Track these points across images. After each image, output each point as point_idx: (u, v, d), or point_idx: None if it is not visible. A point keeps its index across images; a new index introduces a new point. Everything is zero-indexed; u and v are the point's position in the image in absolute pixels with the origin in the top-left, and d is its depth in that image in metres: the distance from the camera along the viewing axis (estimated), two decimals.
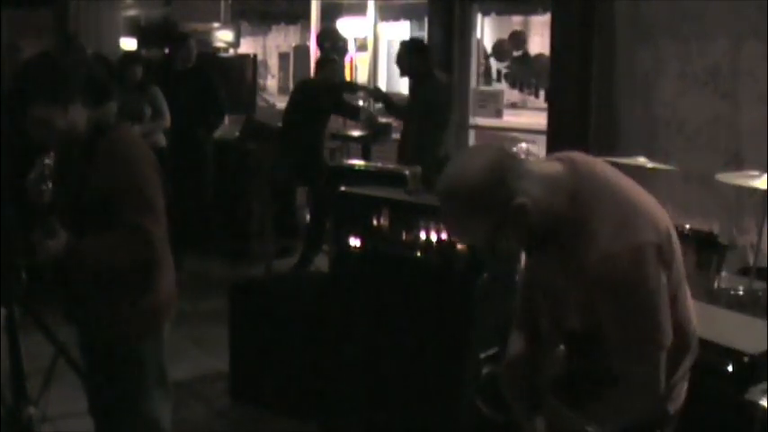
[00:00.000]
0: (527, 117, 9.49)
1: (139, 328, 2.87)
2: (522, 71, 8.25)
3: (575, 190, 2.04)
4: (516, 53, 8.43)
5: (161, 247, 2.79)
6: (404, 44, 6.72)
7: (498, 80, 8.65)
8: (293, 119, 7.12)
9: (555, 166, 2.10)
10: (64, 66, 2.81)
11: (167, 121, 6.92)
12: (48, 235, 2.62)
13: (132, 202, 2.70)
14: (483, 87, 7.94)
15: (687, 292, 2.22)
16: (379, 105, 7.70)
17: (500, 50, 8.42)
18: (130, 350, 2.87)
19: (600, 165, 2.16)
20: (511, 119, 10.34)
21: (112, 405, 2.93)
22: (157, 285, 2.87)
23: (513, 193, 1.97)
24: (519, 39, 8.65)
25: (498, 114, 7.80)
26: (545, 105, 7.12)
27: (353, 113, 7.53)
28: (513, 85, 8.31)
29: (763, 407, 2.57)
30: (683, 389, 2.24)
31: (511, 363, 2.33)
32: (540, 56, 8.74)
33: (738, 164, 5.38)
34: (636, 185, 2.16)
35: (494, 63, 8.88)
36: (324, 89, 7.08)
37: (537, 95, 8.42)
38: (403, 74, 6.68)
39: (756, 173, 4.15)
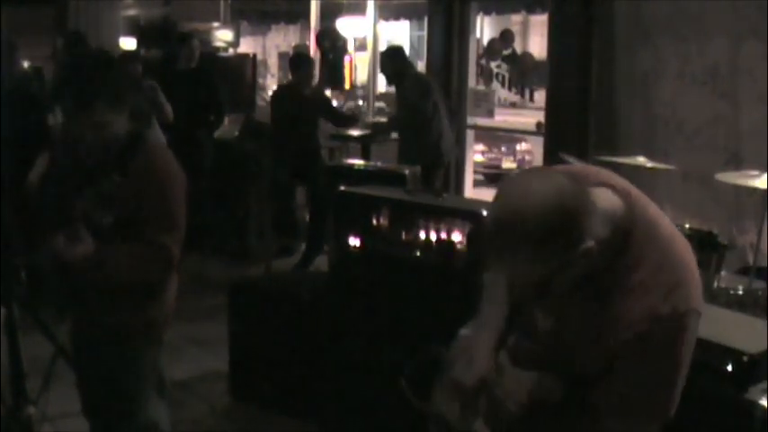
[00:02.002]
0: (526, 117, 9.50)
1: (141, 336, 2.88)
2: (510, 70, 8.27)
3: (629, 230, 1.84)
4: (505, 52, 8.46)
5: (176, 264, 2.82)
6: (382, 54, 7.22)
7: (490, 80, 8.68)
8: (283, 125, 7.15)
9: (614, 201, 1.86)
10: (122, 68, 2.80)
11: (169, 114, 6.90)
12: (72, 239, 2.62)
13: (160, 221, 2.72)
14: (478, 87, 7.97)
15: None
16: (380, 104, 7.79)
17: (492, 50, 8.44)
18: (129, 356, 2.88)
19: (653, 206, 1.94)
20: (510, 118, 10.37)
21: (109, 409, 2.93)
22: (162, 297, 2.89)
23: (584, 236, 1.74)
24: (508, 37, 8.67)
25: (490, 114, 7.82)
26: (543, 105, 7.12)
27: (340, 122, 7.64)
28: (503, 84, 8.34)
29: (763, 407, 2.57)
30: None
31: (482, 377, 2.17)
32: (525, 55, 8.75)
33: (738, 163, 5.39)
34: (678, 234, 1.94)
35: (488, 63, 8.91)
36: (308, 101, 7.14)
37: (523, 95, 8.44)
38: (388, 82, 7.30)
39: (756, 172, 4.15)
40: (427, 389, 2.22)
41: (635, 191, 1.92)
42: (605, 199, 1.85)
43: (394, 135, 7.51)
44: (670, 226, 1.95)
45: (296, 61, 7.41)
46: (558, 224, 1.70)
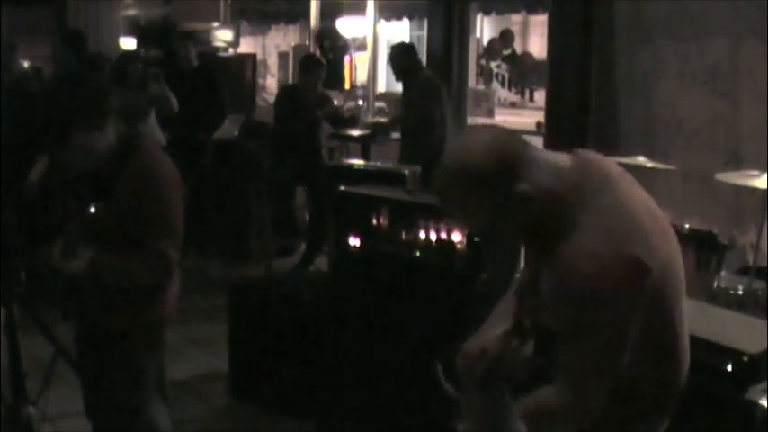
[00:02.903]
0: (526, 117, 9.50)
1: (142, 338, 2.88)
2: (510, 70, 8.28)
3: (578, 183, 1.93)
4: (505, 52, 8.46)
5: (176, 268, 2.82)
6: (392, 48, 7.13)
7: (490, 80, 8.69)
8: (286, 126, 7.14)
9: (564, 158, 1.99)
10: (98, 87, 2.79)
11: (175, 106, 6.90)
12: (67, 253, 2.62)
13: (157, 227, 2.72)
14: (477, 87, 7.98)
15: (683, 328, 2.08)
16: (379, 104, 7.79)
17: (491, 50, 8.45)
18: (130, 358, 2.88)
19: (612, 167, 2.03)
20: (509, 118, 10.37)
21: (111, 410, 2.93)
22: (163, 299, 2.89)
23: (517, 179, 1.87)
24: (508, 37, 8.67)
25: (490, 114, 7.83)
26: (543, 105, 7.13)
27: (339, 124, 7.66)
28: (502, 84, 8.34)
29: (763, 406, 2.57)
30: (663, 423, 2.11)
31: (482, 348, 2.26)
32: (525, 55, 8.75)
33: (738, 163, 5.38)
34: (645, 202, 2.02)
35: (487, 63, 8.91)
36: (314, 102, 7.13)
37: (522, 95, 8.44)
38: (396, 77, 7.07)
39: (756, 172, 4.15)
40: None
41: (598, 158, 2.02)
42: (555, 156, 1.99)
43: (395, 135, 7.51)
44: (636, 191, 2.01)
45: (307, 63, 7.32)
46: (489, 165, 1.87)
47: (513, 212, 1.91)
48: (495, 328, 2.28)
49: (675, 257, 2.01)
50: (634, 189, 2.02)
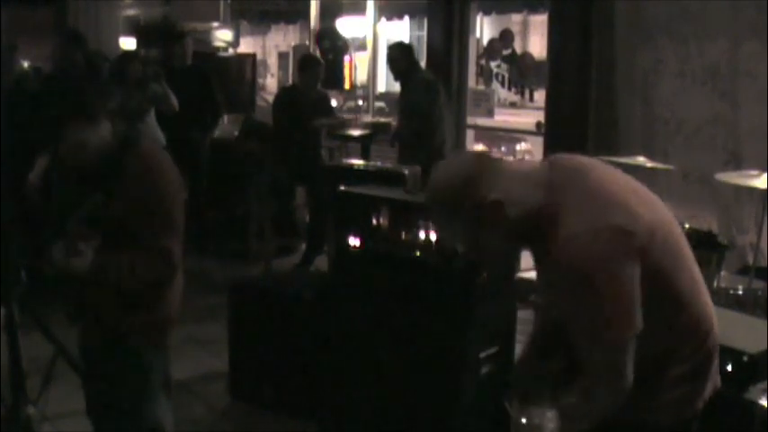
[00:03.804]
0: (526, 117, 9.51)
1: (148, 338, 2.88)
2: (510, 70, 8.27)
3: (550, 181, 2.05)
4: (505, 52, 8.46)
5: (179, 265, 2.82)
6: (390, 48, 7.07)
7: (490, 80, 8.69)
8: (286, 127, 7.14)
9: (534, 164, 2.15)
10: (86, 82, 2.79)
11: (175, 104, 6.90)
12: (70, 252, 2.62)
13: (159, 224, 2.71)
14: (477, 87, 7.97)
15: (697, 288, 2.15)
16: (379, 104, 7.78)
17: (491, 50, 8.44)
18: (136, 358, 2.88)
19: (584, 160, 2.16)
20: (509, 118, 10.37)
21: (115, 409, 2.93)
22: (166, 299, 2.89)
23: (487, 191, 2.01)
24: (507, 37, 8.67)
25: (490, 114, 7.82)
26: (543, 105, 7.12)
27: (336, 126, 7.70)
28: (502, 84, 8.34)
29: (763, 406, 2.57)
30: (702, 391, 2.17)
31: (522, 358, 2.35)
32: (525, 55, 8.75)
33: (737, 163, 5.39)
34: (621, 178, 2.14)
35: (487, 63, 8.92)
36: (313, 102, 7.14)
37: (523, 95, 8.44)
38: (395, 78, 7.02)
39: (755, 172, 4.15)
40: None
41: (567, 156, 2.16)
42: (525, 165, 2.21)
43: None
44: (606, 171, 2.13)
45: (304, 63, 7.36)
46: (458, 185, 2.03)
47: (491, 223, 2.03)
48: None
49: (663, 222, 2.10)
50: (608, 171, 2.14)
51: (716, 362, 2.19)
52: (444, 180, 2.08)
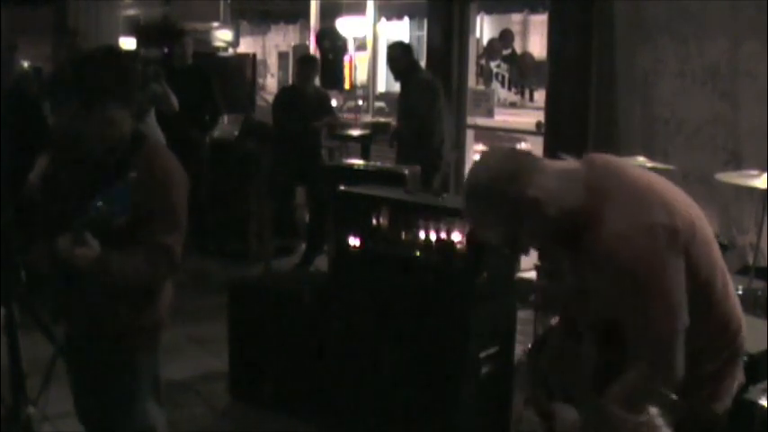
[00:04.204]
0: (526, 117, 9.51)
1: (140, 340, 2.87)
2: (510, 70, 8.27)
3: (589, 181, 2.10)
4: (505, 52, 8.46)
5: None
6: (390, 48, 7.08)
7: (490, 80, 8.68)
8: (285, 125, 7.15)
9: (572, 163, 2.18)
10: (132, 65, 2.76)
11: (175, 104, 6.90)
12: (77, 242, 2.59)
13: (164, 222, 2.71)
14: (477, 87, 7.96)
15: (728, 288, 2.20)
16: (379, 104, 7.79)
17: (491, 50, 8.44)
18: (126, 359, 2.87)
19: (618, 160, 2.22)
20: (509, 118, 10.36)
21: (106, 413, 2.92)
22: (159, 300, 2.89)
23: (526, 188, 2.05)
24: (507, 37, 8.66)
25: (489, 114, 7.81)
26: (543, 105, 7.12)
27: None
28: (502, 84, 8.33)
29: (763, 407, 2.57)
30: (730, 387, 2.22)
31: (547, 353, 2.37)
32: (525, 55, 8.74)
33: (737, 163, 5.39)
34: (657, 178, 2.19)
35: (487, 63, 8.91)
36: (312, 101, 7.15)
37: (523, 95, 8.43)
38: (395, 78, 7.04)
39: (756, 172, 4.15)
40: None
41: (601, 155, 2.22)
42: (563, 164, 2.18)
43: None
44: (640, 170, 2.23)
45: (300, 62, 7.46)
46: (498, 180, 2.07)
47: (528, 218, 2.07)
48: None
49: (700, 219, 2.16)
50: (643, 171, 2.21)
51: (741, 359, 2.25)
52: (484, 175, 2.11)
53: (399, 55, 6.84)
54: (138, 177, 2.66)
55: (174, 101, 6.88)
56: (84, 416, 3.06)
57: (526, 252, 2.25)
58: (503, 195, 2.06)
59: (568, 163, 2.20)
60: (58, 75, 7.13)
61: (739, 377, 2.25)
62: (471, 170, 2.20)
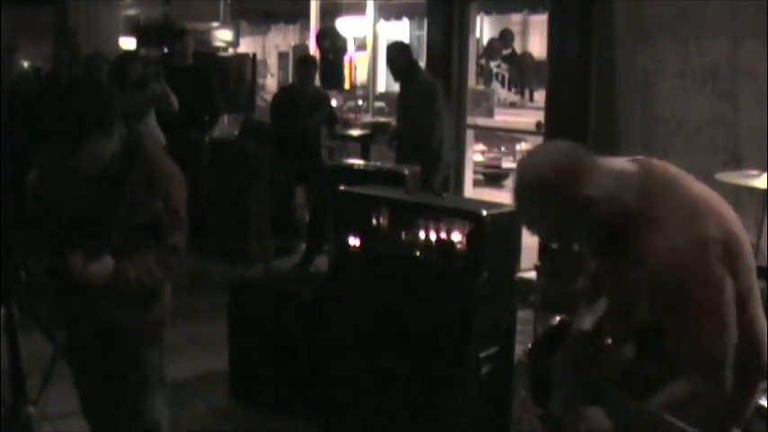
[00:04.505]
0: (526, 117, 9.50)
1: (147, 337, 2.91)
2: (510, 70, 8.27)
3: (644, 186, 2.10)
4: (505, 52, 8.46)
5: None
6: (389, 48, 7.08)
7: (490, 80, 8.69)
8: (283, 125, 7.15)
9: (627, 165, 2.17)
10: (107, 93, 2.79)
11: (175, 104, 6.90)
12: (90, 258, 2.62)
13: (170, 223, 2.76)
14: (477, 87, 7.96)
15: (759, 306, 2.19)
16: (379, 104, 7.79)
17: (491, 50, 8.44)
18: (136, 356, 2.89)
19: (672, 167, 2.24)
20: (509, 118, 10.36)
21: (114, 410, 2.94)
22: (164, 297, 2.92)
23: (583, 186, 2.05)
24: (507, 37, 8.66)
25: (490, 114, 7.81)
26: (543, 105, 7.12)
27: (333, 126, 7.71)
28: (502, 84, 8.33)
29: (763, 406, 2.57)
30: (749, 405, 2.22)
31: (568, 352, 2.32)
32: (525, 55, 8.73)
33: (737, 163, 5.38)
34: (709, 190, 2.21)
35: (487, 63, 8.91)
36: (312, 101, 7.15)
37: (523, 95, 8.43)
38: (395, 78, 7.01)
39: (756, 172, 4.16)
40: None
41: (656, 161, 2.23)
42: (619, 164, 2.16)
43: None
44: (692, 179, 2.22)
45: (300, 62, 7.47)
46: (556, 175, 2.05)
47: (581, 217, 2.08)
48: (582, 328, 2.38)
49: (744, 233, 2.19)
50: (694, 181, 2.21)
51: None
52: (541, 168, 2.09)
53: (398, 55, 6.84)
54: (139, 184, 2.69)
55: (174, 101, 6.88)
56: (92, 414, 3.07)
57: (574, 247, 2.28)
58: (558, 192, 2.05)
59: (624, 163, 2.18)
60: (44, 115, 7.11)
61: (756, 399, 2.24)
62: (526, 162, 2.17)
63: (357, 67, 12.89)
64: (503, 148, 12.97)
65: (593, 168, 2.08)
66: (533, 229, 2.19)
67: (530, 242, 4.33)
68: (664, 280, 2.00)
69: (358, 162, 6.63)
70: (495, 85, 8.28)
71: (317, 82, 7.83)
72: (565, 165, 2.07)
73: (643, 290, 2.08)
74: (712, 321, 2.01)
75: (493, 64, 8.31)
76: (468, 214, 3.64)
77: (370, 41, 11.08)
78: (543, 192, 2.07)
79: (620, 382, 2.18)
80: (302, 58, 7.69)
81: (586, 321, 2.37)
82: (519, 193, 2.14)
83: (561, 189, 2.05)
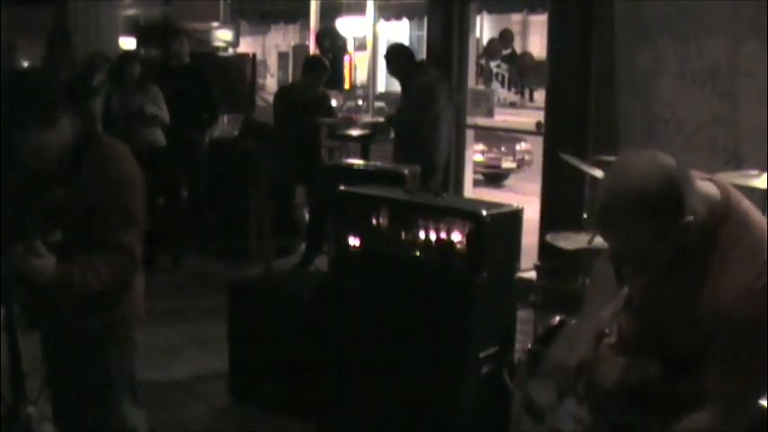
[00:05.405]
0: (526, 117, 9.51)
1: (110, 338, 2.87)
2: (510, 70, 8.27)
3: (725, 215, 2.02)
4: (505, 52, 8.46)
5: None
6: (388, 51, 7.04)
7: (490, 80, 8.69)
8: (284, 125, 7.15)
9: (712, 188, 2.07)
10: (42, 83, 2.73)
11: (167, 118, 6.91)
12: (30, 253, 2.58)
13: (120, 220, 2.69)
14: (477, 87, 7.97)
15: None
16: (379, 104, 7.79)
17: (491, 50, 8.45)
18: (96, 358, 2.86)
19: (746, 200, 2.14)
20: (509, 118, 10.37)
21: (80, 414, 2.91)
22: (128, 297, 2.88)
23: (686, 210, 1.94)
24: (507, 37, 8.67)
25: (490, 114, 7.81)
26: (543, 105, 7.12)
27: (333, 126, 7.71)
28: (502, 83, 8.34)
29: (763, 406, 2.57)
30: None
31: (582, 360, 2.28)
32: (525, 55, 8.74)
33: (737, 163, 5.38)
34: (764, 219, 2.14)
35: (487, 63, 8.92)
36: (313, 102, 7.15)
37: (522, 95, 8.44)
38: (396, 78, 7.00)
39: (756, 172, 4.16)
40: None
41: (733, 188, 2.11)
42: (704, 185, 2.05)
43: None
44: (761, 217, 2.13)
45: (309, 63, 7.41)
46: (664, 196, 1.92)
47: (672, 240, 1.97)
48: (587, 337, 2.32)
49: None
50: (759, 214, 2.14)
51: None
52: (643, 182, 1.93)
53: (395, 58, 6.82)
54: (90, 177, 2.65)
55: (164, 115, 6.88)
56: (61, 417, 3.04)
57: (653, 268, 2.10)
58: (663, 212, 1.93)
59: (708, 186, 2.07)
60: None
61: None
62: (619, 175, 1.99)
63: (357, 67, 12.89)
64: (503, 148, 12.97)
65: (692, 191, 1.96)
66: (616, 244, 2.03)
67: (530, 242, 4.33)
68: (727, 319, 1.95)
69: (358, 162, 6.63)
70: (495, 84, 8.28)
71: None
72: (671, 184, 1.94)
73: (693, 317, 2.02)
74: (762, 363, 1.99)
75: (493, 64, 8.31)
76: (467, 214, 3.64)
77: (370, 41, 11.09)
78: (641, 210, 1.92)
79: (640, 396, 2.18)
80: (314, 61, 7.59)
81: (604, 315, 2.31)
82: (609, 204, 1.96)
83: (663, 211, 1.92)
